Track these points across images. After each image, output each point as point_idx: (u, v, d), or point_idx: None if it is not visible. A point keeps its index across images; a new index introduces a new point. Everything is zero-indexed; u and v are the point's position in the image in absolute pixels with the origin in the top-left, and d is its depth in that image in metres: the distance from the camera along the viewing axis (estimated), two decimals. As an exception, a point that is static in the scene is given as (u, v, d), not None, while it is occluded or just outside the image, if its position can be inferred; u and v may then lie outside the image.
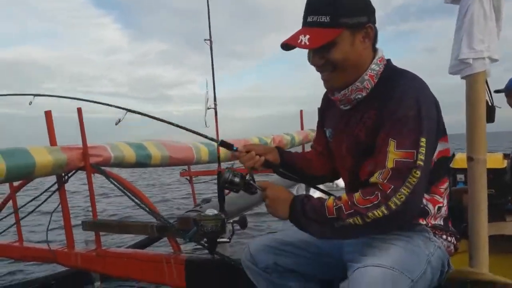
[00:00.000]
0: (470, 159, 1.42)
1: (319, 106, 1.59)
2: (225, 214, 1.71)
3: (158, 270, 2.40)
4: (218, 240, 1.56)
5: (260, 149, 1.49)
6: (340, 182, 1.57)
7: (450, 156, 1.30)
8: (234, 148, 1.50)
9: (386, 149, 1.14)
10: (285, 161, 1.55)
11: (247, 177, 1.39)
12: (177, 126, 1.71)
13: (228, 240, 1.56)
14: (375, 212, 1.08)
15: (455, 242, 1.35)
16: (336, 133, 1.43)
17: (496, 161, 3.02)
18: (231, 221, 1.54)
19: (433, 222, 1.30)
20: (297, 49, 1.24)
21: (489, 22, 1.29)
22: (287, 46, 1.25)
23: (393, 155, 1.12)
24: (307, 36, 1.20)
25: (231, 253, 2.19)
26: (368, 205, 1.09)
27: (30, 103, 2.42)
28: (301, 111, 6.47)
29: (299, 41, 1.21)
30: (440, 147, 1.27)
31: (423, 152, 1.12)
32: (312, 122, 6.29)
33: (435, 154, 1.26)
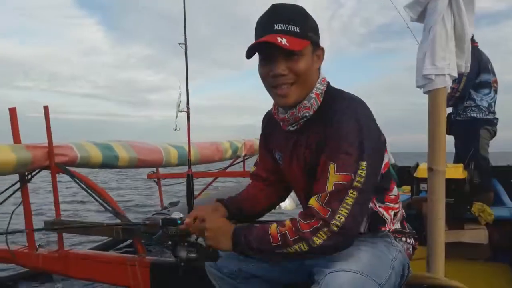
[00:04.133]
0: (430, 169, 1.49)
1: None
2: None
3: (122, 272, 2.36)
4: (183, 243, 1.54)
5: (204, 213, 1.41)
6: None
7: (390, 166, 1.36)
8: (179, 222, 1.40)
9: (326, 172, 1.15)
10: (233, 211, 1.52)
11: (203, 242, 1.32)
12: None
13: (192, 244, 1.54)
14: (318, 235, 1.10)
15: (413, 242, 1.39)
16: (285, 156, 1.41)
17: (457, 171, 3.15)
18: None
19: (392, 227, 1.35)
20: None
21: (449, 42, 1.36)
22: (252, 51, 1.23)
23: (333, 178, 1.13)
24: (284, 39, 1.18)
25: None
26: (310, 230, 1.10)
27: None
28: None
29: (279, 40, 1.17)
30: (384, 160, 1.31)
31: (362, 174, 1.13)
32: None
33: (382, 167, 1.30)
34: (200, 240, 1.34)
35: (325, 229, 1.09)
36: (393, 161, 4.42)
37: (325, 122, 1.21)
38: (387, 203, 1.34)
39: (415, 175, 3.15)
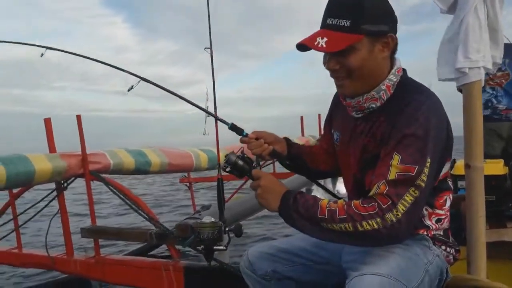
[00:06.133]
0: (467, 166, 1.43)
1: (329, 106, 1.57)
2: (223, 222, 1.71)
3: (157, 277, 2.40)
4: (214, 247, 1.55)
5: (269, 138, 1.49)
6: (342, 189, 1.57)
7: (449, 175, 1.31)
8: (244, 133, 1.48)
9: (389, 162, 1.12)
10: (292, 153, 1.55)
11: (254, 164, 1.37)
12: (185, 99, 1.74)
13: (224, 247, 1.55)
14: (369, 221, 1.07)
15: (454, 253, 1.34)
16: (343, 139, 1.40)
17: (497, 167, 3.02)
18: (227, 229, 1.54)
19: (433, 233, 1.30)
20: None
21: (483, 33, 1.31)
22: (302, 47, 1.21)
23: (396, 168, 1.10)
24: (325, 39, 1.16)
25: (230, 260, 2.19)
26: (364, 213, 1.08)
27: (42, 55, 2.35)
28: (301, 117, 6.51)
29: (316, 43, 1.16)
30: (444, 167, 1.26)
31: (426, 173, 1.10)
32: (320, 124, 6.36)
33: (441, 174, 1.25)
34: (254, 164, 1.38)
35: (378, 219, 1.07)
36: None
37: (394, 114, 1.18)
38: (434, 208, 1.29)
39: (452, 172, 3.04)
